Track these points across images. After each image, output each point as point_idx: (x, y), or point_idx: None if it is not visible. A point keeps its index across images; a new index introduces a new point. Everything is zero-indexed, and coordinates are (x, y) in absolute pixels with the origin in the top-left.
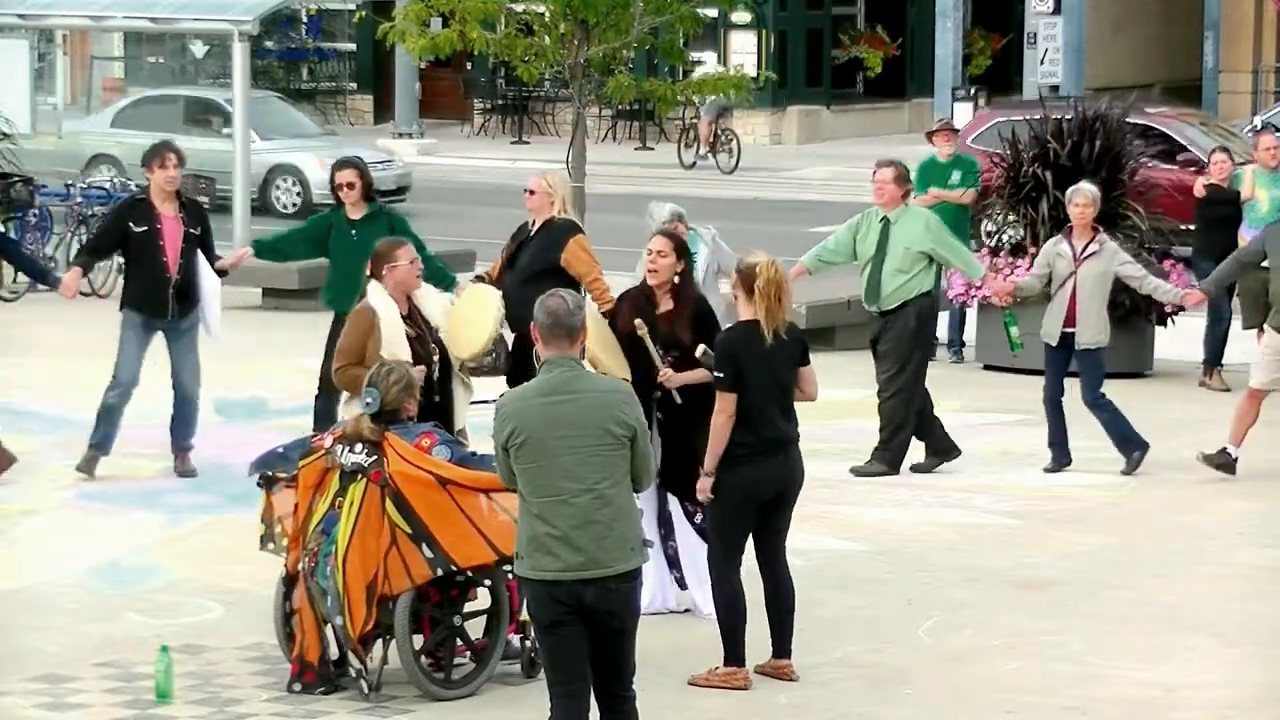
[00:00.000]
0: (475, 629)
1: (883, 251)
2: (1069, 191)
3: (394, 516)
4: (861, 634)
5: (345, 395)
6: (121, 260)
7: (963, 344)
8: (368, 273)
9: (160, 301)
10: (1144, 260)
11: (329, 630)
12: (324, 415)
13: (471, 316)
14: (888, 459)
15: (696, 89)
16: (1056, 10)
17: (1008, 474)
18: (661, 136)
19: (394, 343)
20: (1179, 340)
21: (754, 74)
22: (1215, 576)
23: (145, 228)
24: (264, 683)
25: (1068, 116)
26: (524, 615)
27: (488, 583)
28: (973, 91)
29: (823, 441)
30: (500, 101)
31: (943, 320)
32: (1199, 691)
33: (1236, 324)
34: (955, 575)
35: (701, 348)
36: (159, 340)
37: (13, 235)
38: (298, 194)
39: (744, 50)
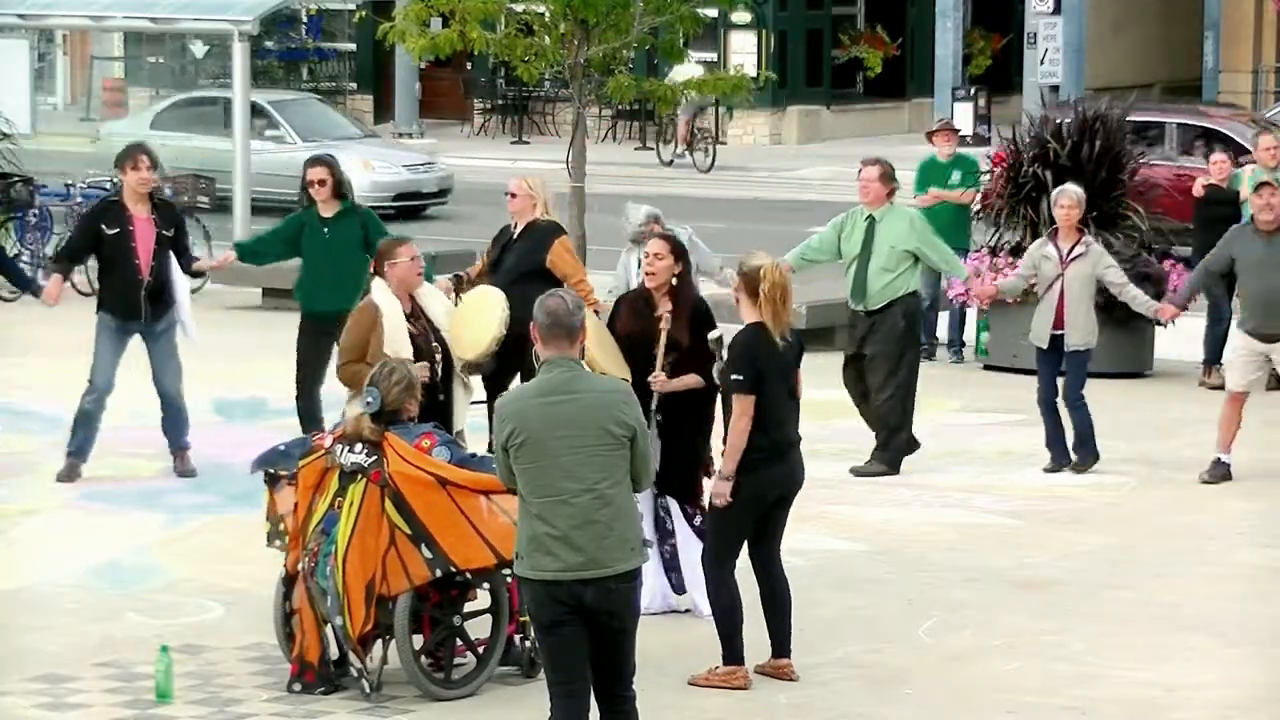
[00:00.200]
0: (475, 629)
1: (868, 250)
2: (1054, 193)
3: (393, 517)
4: (861, 634)
5: (348, 393)
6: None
7: (963, 344)
8: (371, 270)
9: (133, 304)
10: (1144, 260)
11: (329, 630)
12: (308, 416)
13: (475, 317)
14: (887, 459)
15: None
16: (1056, 10)
17: (1008, 474)
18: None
19: (397, 340)
20: (1179, 340)
21: (754, 74)
22: (1215, 576)
23: (117, 230)
24: (264, 683)
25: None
26: (524, 615)
27: (487, 585)
28: (973, 91)
29: (822, 441)
30: (500, 101)
31: (943, 320)
32: (1199, 691)
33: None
34: (955, 575)
35: (716, 333)
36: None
37: (13, 235)
38: None
39: (744, 50)
